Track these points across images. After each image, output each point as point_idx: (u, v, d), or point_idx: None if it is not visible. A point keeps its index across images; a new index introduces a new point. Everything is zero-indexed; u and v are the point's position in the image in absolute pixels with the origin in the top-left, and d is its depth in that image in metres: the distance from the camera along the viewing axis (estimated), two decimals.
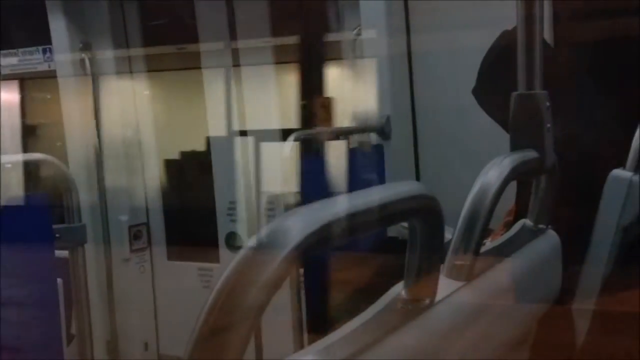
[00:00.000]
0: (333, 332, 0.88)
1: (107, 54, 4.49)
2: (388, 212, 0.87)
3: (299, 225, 0.73)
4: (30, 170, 2.28)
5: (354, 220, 0.80)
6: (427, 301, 1.01)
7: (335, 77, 4.11)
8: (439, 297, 1.04)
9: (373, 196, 0.85)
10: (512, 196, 2.11)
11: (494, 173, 1.27)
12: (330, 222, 0.76)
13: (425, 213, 0.94)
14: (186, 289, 4.57)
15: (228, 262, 0.70)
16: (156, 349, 4.80)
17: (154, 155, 4.74)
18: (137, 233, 4.70)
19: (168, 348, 4.75)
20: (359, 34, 3.80)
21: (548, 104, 1.50)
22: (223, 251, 4.47)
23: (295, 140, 3.27)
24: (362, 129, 3.68)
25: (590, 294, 1.76)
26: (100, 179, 4.44)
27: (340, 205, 0.79)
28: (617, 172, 1.85)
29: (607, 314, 1.67)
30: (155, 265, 4.81)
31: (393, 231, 3.35)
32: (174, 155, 4.91)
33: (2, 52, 4.48)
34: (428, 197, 0.93)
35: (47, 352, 2.11)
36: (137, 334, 4.72)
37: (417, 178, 3.82)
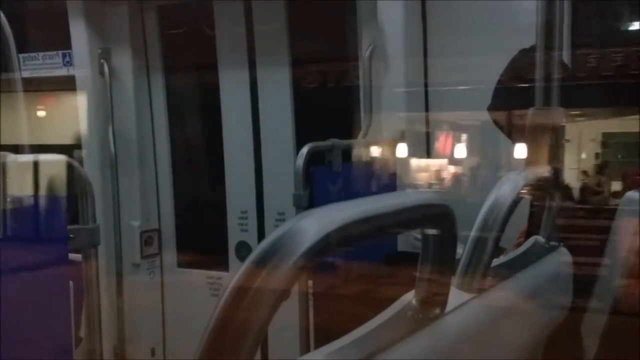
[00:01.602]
0: (343, 336, 0.89)
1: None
2: (402, 218, 0.87)
3: (313, 227, 0.73)
4: (47, 171, 2.31)
5: (368, 224, 0.80)
6: (437, 311, 1.02)
7: None
8: (449, 307, 1.04)
9: (388, 201, 0.86)
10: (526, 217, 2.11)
11: (507, 188, 1.28)
12: (344, 225, 0.76)
13: (439, 221, 0.94)
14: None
15: None
16: (163, 355, 4.80)
17: None
18: (148, 239, 4.71)
19: (175, 354, 4.75)
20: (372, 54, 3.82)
21: (564, 120, 1.51)
22: None
23: (309, 151, 3.27)
24: (376, 143, 3.69)
25: (602, 312, 1.76)
26: (114, 183, 4.46)
27: (355, 209, 0.80)
28: (631, 194, 1.84)
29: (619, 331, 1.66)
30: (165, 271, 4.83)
31: (404, 246, 3.35)
32: None
33: (23, 55, 4.52)
34: (442, 206, 0.94)
35: (56, 355, 2.11)
36: (145, 340, 4.72)
37: None
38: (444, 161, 3.63)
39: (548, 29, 1.52)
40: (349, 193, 3.36)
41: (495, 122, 2.61)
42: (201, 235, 5.02)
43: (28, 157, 2.20)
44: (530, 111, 1.52)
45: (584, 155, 3.44)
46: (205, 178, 5.14)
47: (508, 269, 1.35)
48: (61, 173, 2.17)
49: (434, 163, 3.72)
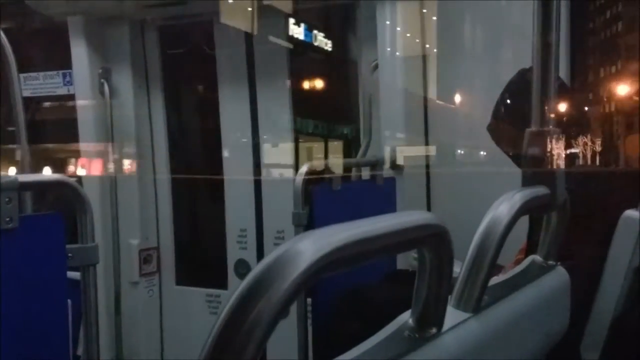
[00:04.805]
0: (338, 356, 0.89)
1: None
2: (399, 239, 0.88)
3: (310, 248, 0.74)
4: (46, 190, 2.32)
5: (365, 245, 0.81)
6: (434, 330, 1.02)
7: None
8: (445, 327, 1.04)
9: (384, 223, 0.86)
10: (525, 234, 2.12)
11: (504, 207, 1.28)
12: (341, 246, 0.76)
13: (436, 242, 0.95)
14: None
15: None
16: None
17: None
18: (147, 257, 4.71)
19: None
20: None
21: (561, 141, 1.52)
22: None
23: (308, 171, 3.29)
24: (374, 162, 3.70)
25: (599, 334, 1.76)
26: (114, 202, 4.47)
27: (352, 230, 0.80)
28: (629, 213, 1.84)
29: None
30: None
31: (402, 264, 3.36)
32: None
33: (24, 74, 4.54)
34: (438, 227, 0.94)
35: None
36: (143, 357, 4.70)
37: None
38: None
39: (545, 43, 1.52)
40: (348, 212, 3.36)
41: (495, 140, 2.62)
42: (200, 253, 5.03)
43: (27, 177, 2.21)
44: (527, 132, 1.53)
45: None
46: (204, 196, 5.15)
47: (505, 288, 1.35)
48: (59, 191, 2.17)
49: None
